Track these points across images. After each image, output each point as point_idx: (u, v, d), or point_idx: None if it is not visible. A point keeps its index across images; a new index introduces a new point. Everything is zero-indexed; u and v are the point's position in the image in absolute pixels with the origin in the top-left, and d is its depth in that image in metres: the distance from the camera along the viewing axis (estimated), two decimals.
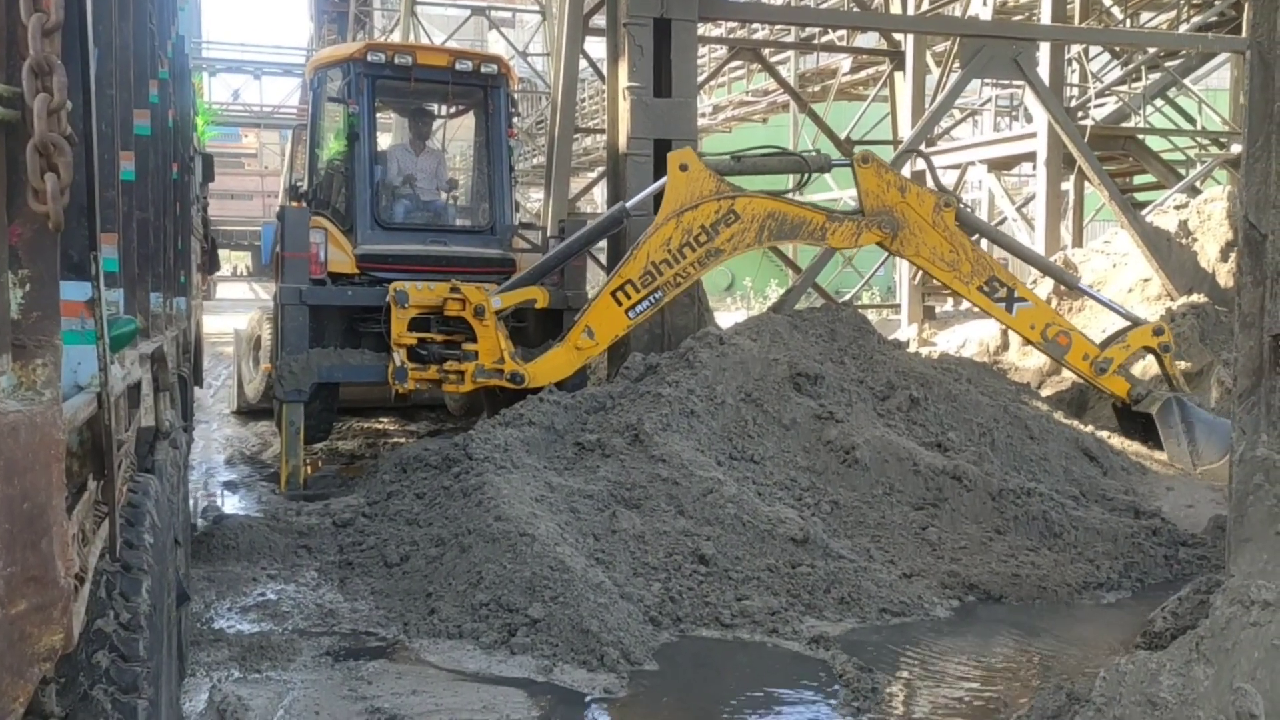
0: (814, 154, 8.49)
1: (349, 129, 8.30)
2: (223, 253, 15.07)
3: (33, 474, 1.46)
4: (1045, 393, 9.58)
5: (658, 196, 7.65)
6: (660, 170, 8.91)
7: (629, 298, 7.40)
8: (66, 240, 1.73)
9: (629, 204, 7.91)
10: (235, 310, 19.59)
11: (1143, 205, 12.72)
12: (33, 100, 1.41)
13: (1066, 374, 10.03)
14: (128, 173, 2.95)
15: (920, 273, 13.58)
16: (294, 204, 9.00)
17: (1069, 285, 8.53)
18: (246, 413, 10.78)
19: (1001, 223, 15.42)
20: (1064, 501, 6.31)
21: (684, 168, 7.45)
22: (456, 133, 12.09)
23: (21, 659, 1.48)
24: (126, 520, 2.44)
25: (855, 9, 15.13)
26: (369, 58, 8.28)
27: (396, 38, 23.49)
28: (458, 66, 8.53)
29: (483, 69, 8.60)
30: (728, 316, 19.12)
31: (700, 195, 7.43)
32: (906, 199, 7.67)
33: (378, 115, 9.17)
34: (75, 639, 1.57)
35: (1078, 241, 13.42)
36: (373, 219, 8.24)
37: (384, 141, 11.70)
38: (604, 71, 11.36)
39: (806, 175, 8.12)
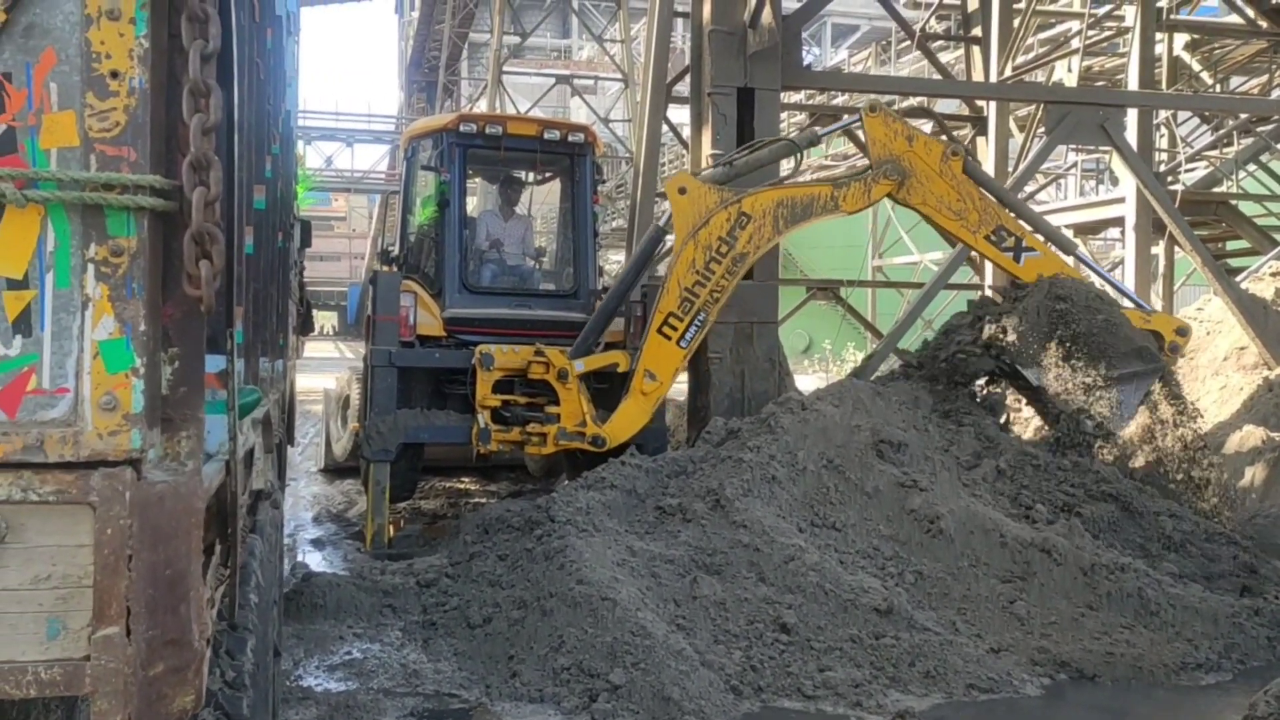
0: (800, 133, 8.51)
1: (440, 196, 8.55)
2: (314, 313, 15.54)
3: (175, 541, 1.57)
4: (1138, 463, 9.33)
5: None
6: None
7: (675, 329, 7.50)
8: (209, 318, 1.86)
9: (663, 221, 8.02)
10: (322, 369, 20.10)
11: (1236, 271, 12.43)
12: (192, 193, 1.54)
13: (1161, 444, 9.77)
14: (249, 246, 3.12)
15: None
16: (385, 268, 9.26)
17: (1067, 251, 8.28)
18: (334, 471, 11.02)
19: None
20: (1160, 578, 6.13)
21: (683, 191, 7.57)
22: (544, 198, 12.37)
23: (157, 719, 1.57)
24: (239, 580, 2.55)
25: (937, 76, 15.19)
26: (461, 128, 8.56)
27: (483, 106, 24.16)
28: (546, 136, 8.76)
29: (570, 138, 8.82)
30: (806, 380, 19.05)
31: (707, 210, 7.53)
32: (914, 148, 7.68)
33: (468, 182, 9.44)
34: (204, 699, 1.66)
35: (1169, 307, 13.13)
36: (461, 283, 8.45)
37: (472, 207, 12.02)
38: (685, 137, 11.57)
39: (800, 155, 8.16)
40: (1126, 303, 8.15)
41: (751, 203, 7.54)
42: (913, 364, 8.17)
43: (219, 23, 1.57)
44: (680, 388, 10.03)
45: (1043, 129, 11.09)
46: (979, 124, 13.85)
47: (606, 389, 8.23)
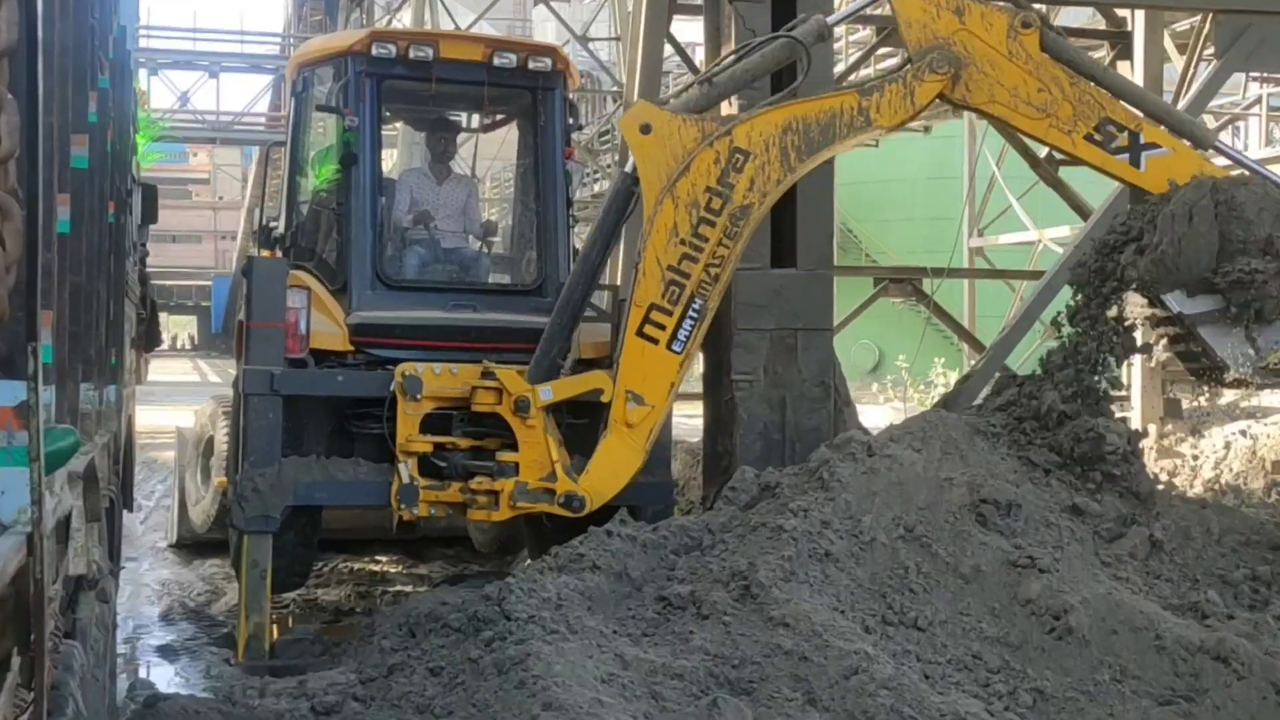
0: (802, 21, 8.36)
1: (344, 149, 8.56)
2: (161, 317, 15.56)
3: None
4: None
5: None
6: (781, 199, 9.05)
7: (662, 328, 7.44)
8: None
9: (630, 167, 7.97)
10: (175, 398, 20.11)
11: None
12: None
13: None
14: (63, 223, 3.11)
15: (1159, 346, 13.44)
16: (264, 253, 9.27)
17: (1202, 145, 8.22)
18: (190, 546, 10.99)
19: None
20: None
21: (646, 129, 7.51)
22: (496, 152, 12.41)
23: None
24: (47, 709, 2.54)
25: None
26: (374, 51, 8.57)
27: (408, 20, 24.31)
28: (496, 61, 8.77)
29: (531, 64, 8.84)
30: (874, 411, 19.08)
31: (685, 151, 7.47)
32: (967, 24, 7.59)
33: (385, 129, 9.47)
34: None
35: None
36: (375, 275, 8.45)
37: (392, 164, 12.06)
38: (698, 63, 11.60)
39: (807, 58, 8.04)
40: None
41: (746, 132, 7.52)
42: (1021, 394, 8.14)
43: None
44: (693, 423, 10.02)
45: (1212, 50, 11.14)
46: (1121, 41, 13.92)
47: (585, 425, 8.23)
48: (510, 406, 7.59)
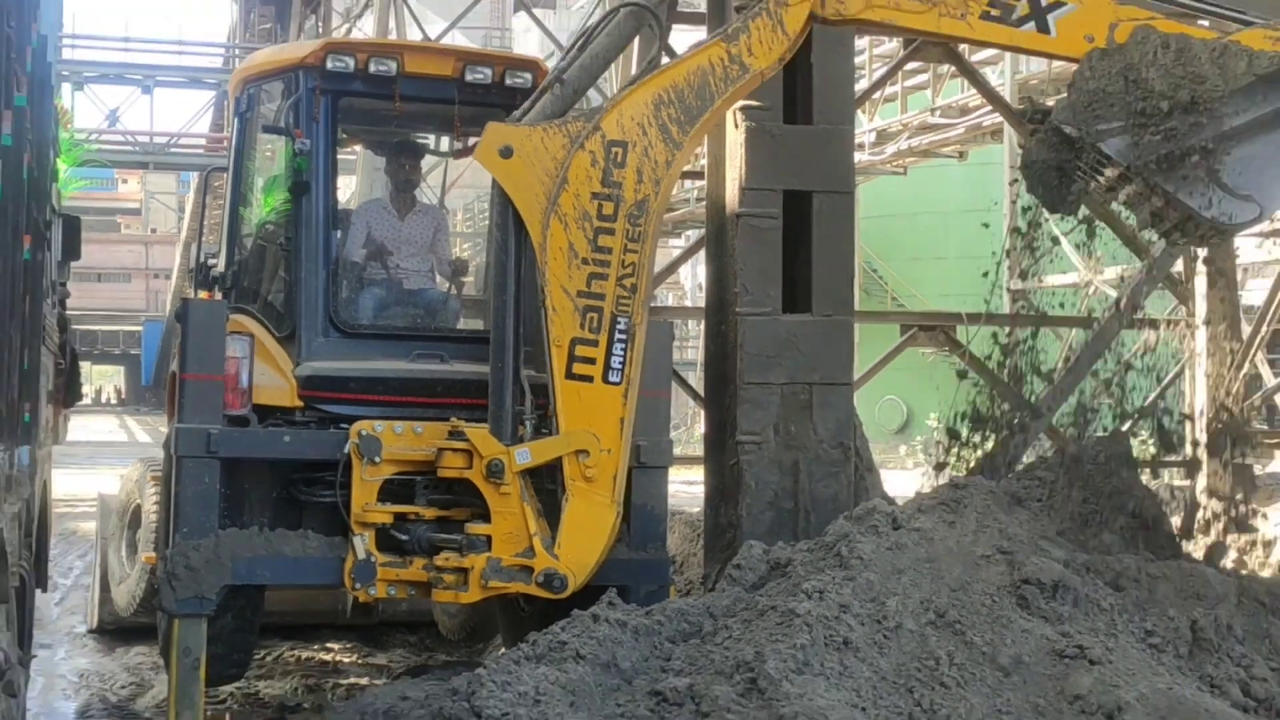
0: None
1: (294, 175, 8.59)
2: (84, 367, 15.55)
3: None
4: None
5: None
6: (795, 237, 9.10)
7: (591, 362, 7.44)
8: None
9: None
10: (97, 460, 20.11)
11: None
12: None
13: None
14: None
15: (1227, 403, 13.46)
16: (202, 294, 9.29)
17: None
18: (113, 631, 10.95)
19: None
20: None
21: (507, 151, 7.55)
22: (469, 179, 12.49)
23: None
24: None
25: None
26: (329, 64, 8.61)
27: (369, 29, 24.49)
28: (469, 77, 8.84)
29: (509, 79, 8.90)
30: (902, 477, 19.08)
31: (557, 163, 7.49)
32: None
33: (341, 153, 9.51)
34: None
35: None
36: (327, 320, 8.46)
37: (349, 194, 12.12)
38: None
39: (658, 24, 8.04)
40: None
41: (616, 120, 7.53)
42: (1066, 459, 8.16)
43: None
44: (693, 491, 10.02)
45: None
46: None
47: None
48: (482, 471, 7.57)
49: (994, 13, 7.51)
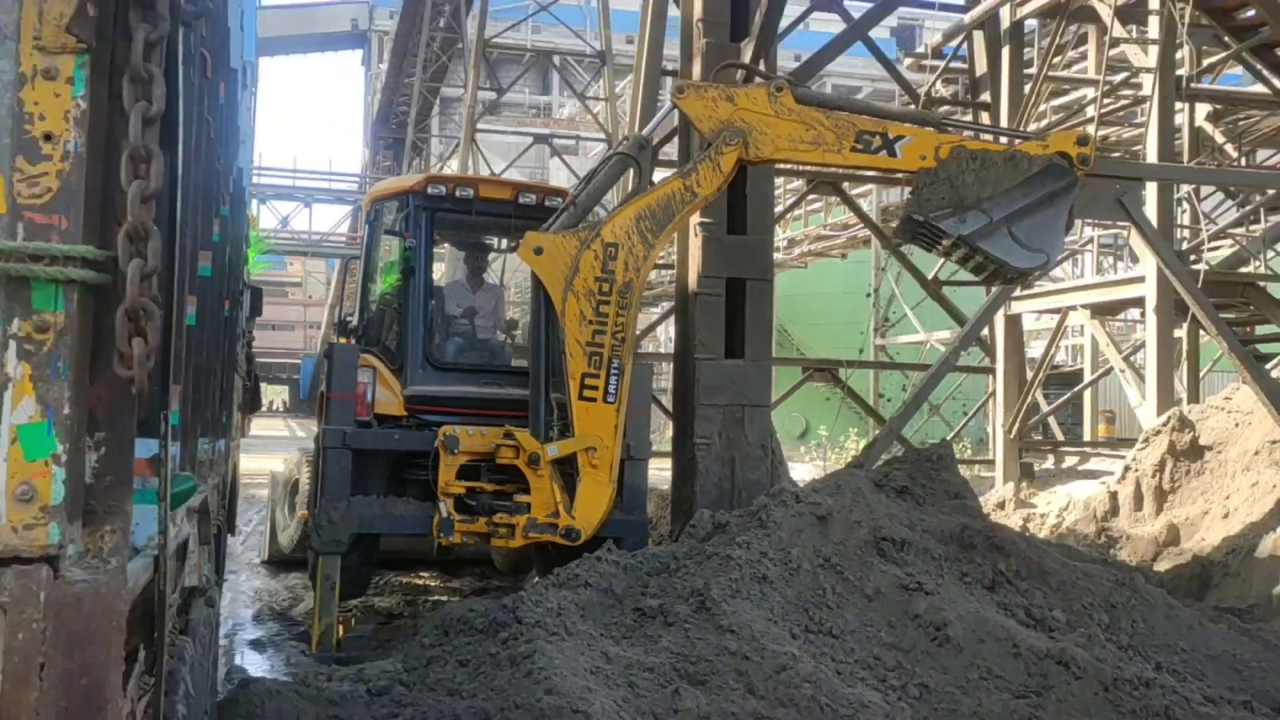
0: (627, 140, 8.45)
1: (404, 262, 8.59)
2: (263, 387, 15.49)
3: (93, 647, 1.54)
4: (1162, 567, 9.34)
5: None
6: (734, 308, 9.12)
7: (595, 388, 7.45)
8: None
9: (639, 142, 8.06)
10: (269, 449, 19.96)
11: (1267, 358, 12.58)
12: (127, 265, 1.55)
13: (1187, 546, 9.80)
14: (191, 318, 3.13)
15: (1015, 424, 13.50)
16: (342, 340, 9.28)
17: (935, 124, 8.07)
18: (279, 563, 10.89)
19: (1107, 373, 15.31)
20: (1187, 695, 6.09)
21: (539, 251, 7.53)
22: (519, 265, 12.47)
23: None
24: (165, 690, 2.50)
25: None
26: (429, 190, 8.63)
27: (455, 165, 24.37)
28: (521, 200, 8.86)
29: (547, 202, 8.91)
30: (801, 468, 19.05)
31: (571, 258, 7.50)
32: (739, 104, 7.63)
33: (435, 249, 9.51)
34: None
35: (1194, 396, 13.26)
36: (424, 358, 8.45)
37: (440, 274, 12.06)
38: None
39: (638, 166, 8.09)
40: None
41: (610, 229, 7.57)
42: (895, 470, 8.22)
43: (164, 83, 1.60)
44: (663, 475, 10.01)
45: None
46: None
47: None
48: (525, 460, 7.56)
49: (859, 146, 7.57)
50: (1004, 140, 7.98)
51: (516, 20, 28.67)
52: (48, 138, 1.55)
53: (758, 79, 7.98)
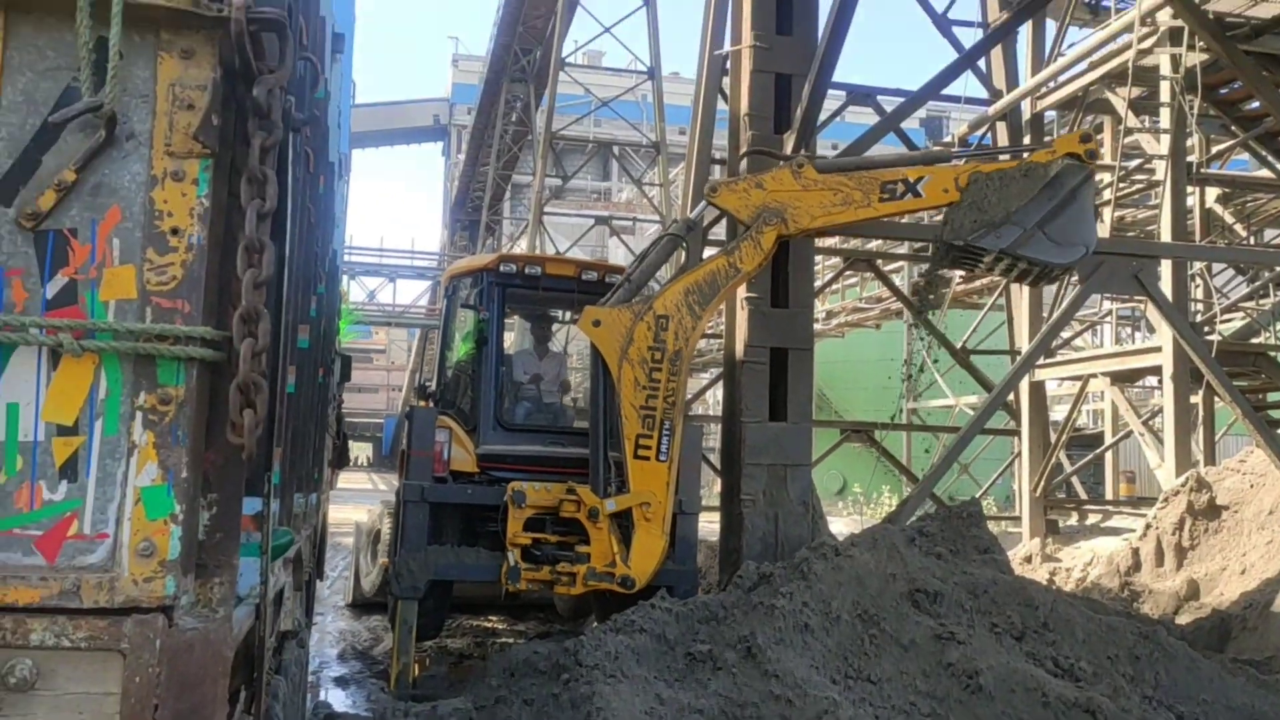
0: (677, 222, 8.41)
1: (478, 333, 8.67)
2: (350, 444, 15.64)
3: (202, 689, 1.56)
4: (1183, 620, 9.05)
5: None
6: (777, 375, 9.07)
7: (649, 448, 7.38)
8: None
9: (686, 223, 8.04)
10: (354, 500, 20.10)
11: (1278, 423, 12.24)
12: (240, 344, 1.59)
13: (1206, 601, 9.50)
14: (290, 386, 3.18)
15: (1041, 483, 13.24)
16: (422, 403, 9.36)
17: (944, 160, 7.89)
18: (361, 606, 10.90)
19: (1127, 436, 15.00)
20: None
21: (597, 324, 7.50)
22: (580, 334, 12.55)
23: None
24: None
25: None
26: (501, 268, 8.74)
27: (524, 245, 24.63)
28: (584, 276, 8.93)
29: (607, 279, 8.96)
30: (839, 522, 18.79)
31: (626, 329, 7.47)
32: (769, 189, 7.58)
33: (506, 321, 9.60)
34: None
35: (1210, 458, 12.93)
36: (495, 420, 8.49)
37: (509, 343, 12.13)
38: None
39: (686, 245, 8.05)
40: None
41: (662, 302, 7.56)
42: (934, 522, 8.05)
43: (276, 183, 1.65)
44: (712, 528, 9.92)
45: (1076, 277, 11.18)
46: None
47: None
48: (585, 514, 7.53)
49: (885, 196, 7.54)
50: (1014, 156, 7.92)
51: (580, 115, 29.17)
52: (175, 232, 1.60)
53: (780, 162, 8.02)
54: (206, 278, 1.63)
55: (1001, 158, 7.88)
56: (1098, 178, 14.83)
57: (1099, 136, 7.76)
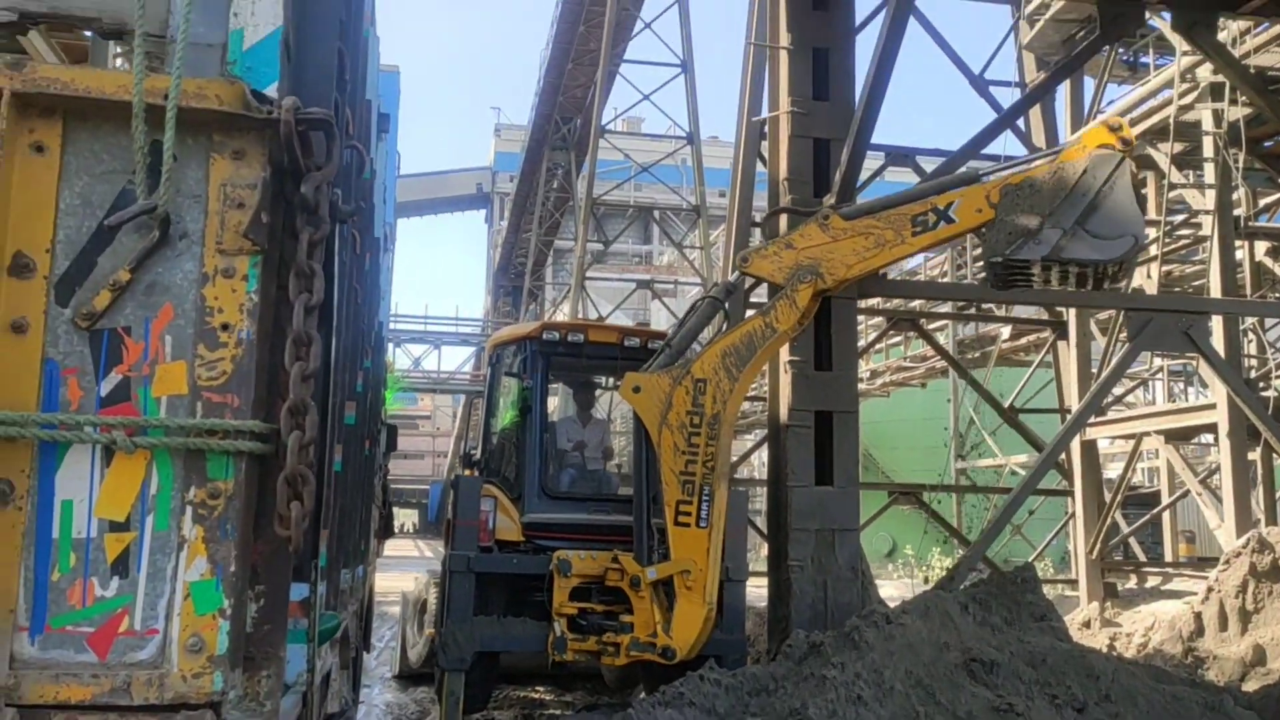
0: (717, 285, 8.29)
1: (522, 401, 8.71)
2: (395, 511, 15.70)
3: None
4: (1250, 687, 8.73)
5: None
6: (822, 438, 8.99)
7: (689, 514, 7.27)
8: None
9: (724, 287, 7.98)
10: (400, 567, 20.11)
11: None
12: (288, 437, 1.61)
13: (1274, 666, 9.18)
14: (338, 464, 3.21)
15: (1096, 544, 12.93)
16: (467, 471, 9.38)
17: (971, 180, 7.58)
18: (408, 677, 10.84)
19: (1184, 495, 14.65)
20: None
21: (637, 390, 7.45)
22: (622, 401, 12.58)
23: None
24: None
25: None
26: (544, 336, 8.80)
27: (566, 309, 24.79)
28: (626, 343, 8.96)
29: (650, 345, 8.98)
30: (889, 586, 18.46)
31: (665, 394, 7.40)
32: (800, 247, 7.44)
33: (549, 387, 9.63)
34: None
35: (1271, 518, 12.58)
36: (540, 488, 8.48)
37: (552, 408, 12.19)
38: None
39: (725, 309, 7.92)
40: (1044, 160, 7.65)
41: (700, 366, 7.50)
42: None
43: (324, 277, 1.68)
44: (760, 592, 9.79)
45: (1125, 334, 11.02)
46: (1059, 328, 13.85)
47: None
48: (628, 583, 7.47)
49: (918, 229, 7.37)
50: (1042, 161, 7.72)
51: (621, 180, 29.55)
52: (225, 327, 1.63)
53: (805, 220, 7.96)
54: (255, 371, 1.66)
55: (1033, 164, 7.71)
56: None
57: (1130, 130, 7.36)
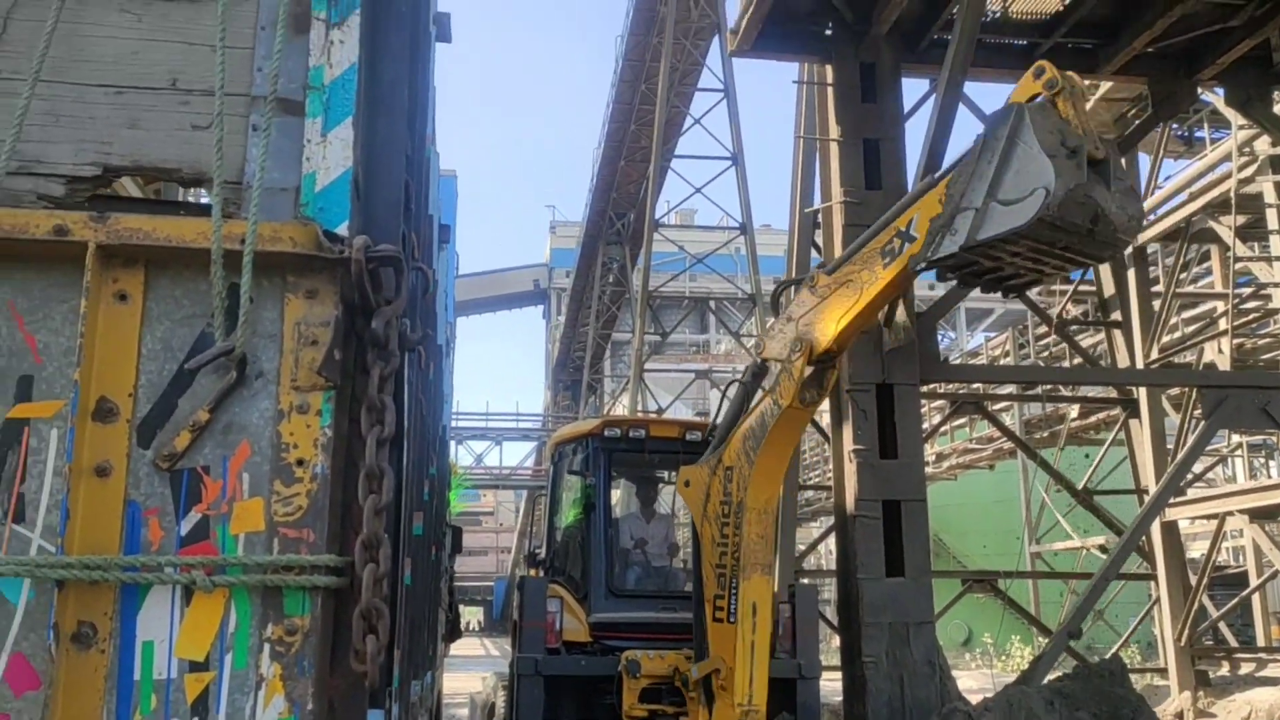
0: (746, 369, 8.05)
1: (585, 499, 8.69)
2: (460, 609, 15.64)
3: None
4: None
5: None
6: (891, 527, 8.83)
7: (723, 608, 7.06)
8: None
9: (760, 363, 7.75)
10: (466, 667, 19.95)
11: None
12: (363, 570, 1.63)
13: None
14: (408, 578, 3.22)
15: (1185, 630, 12.41)
16: (532, 571, 9.33)
17: (929, 188, 6.75)
18: None
19: (1274, 576, 14.07)
20: None
21: (688, 484, 7.35)
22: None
23: None
24: None
25: (1078, 360, 15.06)
26: (606, 433, 8.81)
27: (625, 402, 24.86)
28: (688, 437, 8.92)
29: (710, 437, 8.96)
30: (966, 677, 17.85)
31: (705, 486, 7.27)
32: (796, 318, 7.05)
33: (613, 484, 9.61)
34: None
35: None
36: (606, 587, 8.41)
37: (615, 503, 12.14)
38: (826, 430, 11.63)
39: (762, 387, 7.68)
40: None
41: (728, 453, 7.36)
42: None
43: (394, 410, 1.71)
44: (834, 685, 9.51)
45: (1199, 410, 10.74)
46: (1129, 406, 13.54)
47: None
48: (680, 681, 7.33)
49: (886, 259, 6.68)
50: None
51: (676, 272, 29.84)
52: (300, 463, 1.67)
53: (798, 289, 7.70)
54: (329, 505, 1.68)
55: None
56: (1211, 306, 14.43)
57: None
